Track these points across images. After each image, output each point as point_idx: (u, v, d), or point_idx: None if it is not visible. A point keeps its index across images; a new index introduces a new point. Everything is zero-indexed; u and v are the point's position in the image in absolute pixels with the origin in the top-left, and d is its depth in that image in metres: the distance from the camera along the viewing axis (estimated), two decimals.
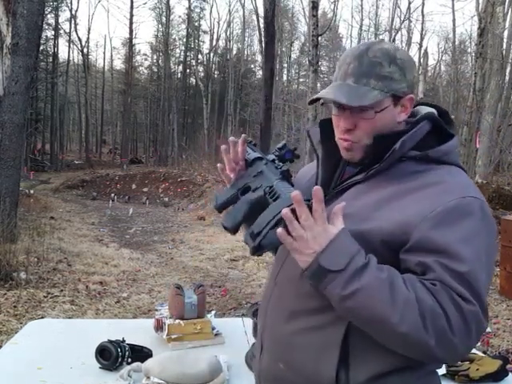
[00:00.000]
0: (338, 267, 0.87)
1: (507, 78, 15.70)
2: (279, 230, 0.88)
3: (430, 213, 0.93)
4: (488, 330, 4.36)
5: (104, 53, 66.10)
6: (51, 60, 32.09)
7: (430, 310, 0.86)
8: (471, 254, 0.91)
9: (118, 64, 48.18)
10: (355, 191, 1.03)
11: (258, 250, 0.90)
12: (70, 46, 35.42)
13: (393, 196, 0.98)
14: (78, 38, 34.78)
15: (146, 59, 41.68)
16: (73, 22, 33.63)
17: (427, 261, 0.91)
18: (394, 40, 27.90)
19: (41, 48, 24.04)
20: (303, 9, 37.68)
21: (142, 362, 1.53)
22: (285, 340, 1.06)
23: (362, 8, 36.33)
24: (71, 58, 37.11)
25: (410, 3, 27.26)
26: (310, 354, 1.00)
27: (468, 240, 0.92)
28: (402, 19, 28.62)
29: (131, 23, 31.64)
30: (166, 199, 17.56)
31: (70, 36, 34.07)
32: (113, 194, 17.81)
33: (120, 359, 1.57)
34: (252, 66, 38.93)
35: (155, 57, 39.54)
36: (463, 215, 0.94)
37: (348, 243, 0.90)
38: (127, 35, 33.68)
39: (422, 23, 29.13)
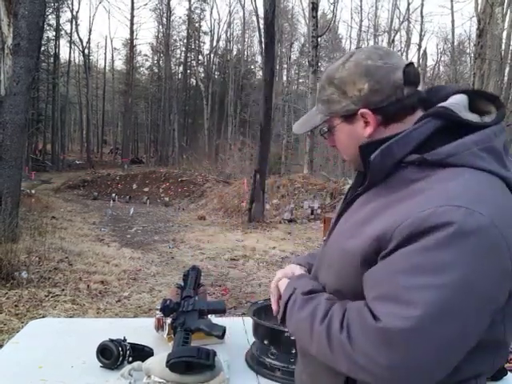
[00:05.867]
0: (280, 316, 1.06)
1: (506, 78, 15.69)
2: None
3: (396, 228, 0.80)
4: None
5: (105, 53, 66.39)
6: (52, 61, 32.14)
7: (337, 339, 0.85)
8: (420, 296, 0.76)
9: (119, 65, 48.24)
10: (357, 204, 0.98)
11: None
12: (71, 47, 35.58)
13: (380, 209, 0.88)
14: (79, 38, 34.86)
15: (146, 60, 41.76)
16: (74, 22, 33.75)
17: (369, 298, 0.84)
18: (393, 41, 27.92)
19: (42, 49, 24.06)
20: (303, 10, 37.72)
21: (143, 360, 1.54)
22: (304, 351, 1.08)
23: (361, 9, 36.57)
24: (72, 59, 37.27)
25: (409, 4, 27.39)
26: (321, 363, 0.96)
27: (421, 270, 0.76)
28: (401, 20, 28.69)
29: (132, 24, 31.71)
30: (167, 199, 17.56)
31: (71, 37, 34.15)
32: (114, 194, 17.82)
33: (121, 358, 1.57)
34: (252, 66, 38.94)
35: (156, 57, 39.58)
36: (429, 230, 0.77)
37: (284, 294, 1.05)
38: (128, 36, 33.80)
39: (421, 24, 29.23)
